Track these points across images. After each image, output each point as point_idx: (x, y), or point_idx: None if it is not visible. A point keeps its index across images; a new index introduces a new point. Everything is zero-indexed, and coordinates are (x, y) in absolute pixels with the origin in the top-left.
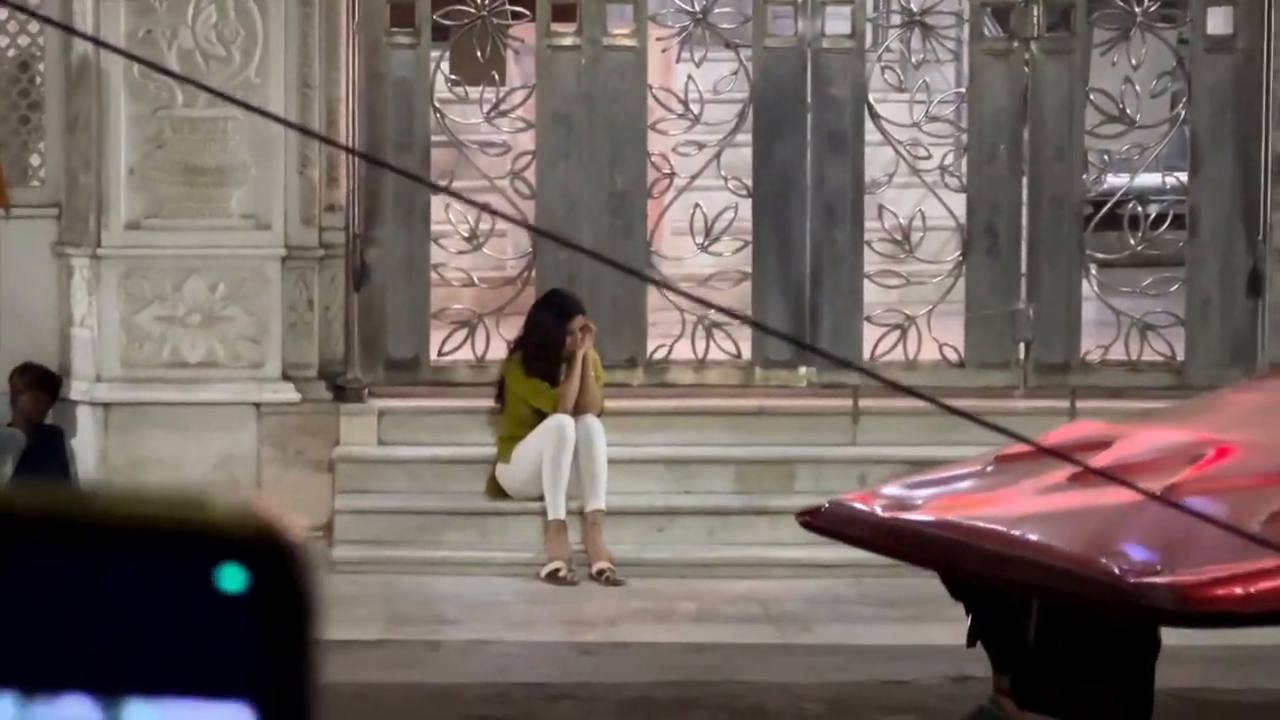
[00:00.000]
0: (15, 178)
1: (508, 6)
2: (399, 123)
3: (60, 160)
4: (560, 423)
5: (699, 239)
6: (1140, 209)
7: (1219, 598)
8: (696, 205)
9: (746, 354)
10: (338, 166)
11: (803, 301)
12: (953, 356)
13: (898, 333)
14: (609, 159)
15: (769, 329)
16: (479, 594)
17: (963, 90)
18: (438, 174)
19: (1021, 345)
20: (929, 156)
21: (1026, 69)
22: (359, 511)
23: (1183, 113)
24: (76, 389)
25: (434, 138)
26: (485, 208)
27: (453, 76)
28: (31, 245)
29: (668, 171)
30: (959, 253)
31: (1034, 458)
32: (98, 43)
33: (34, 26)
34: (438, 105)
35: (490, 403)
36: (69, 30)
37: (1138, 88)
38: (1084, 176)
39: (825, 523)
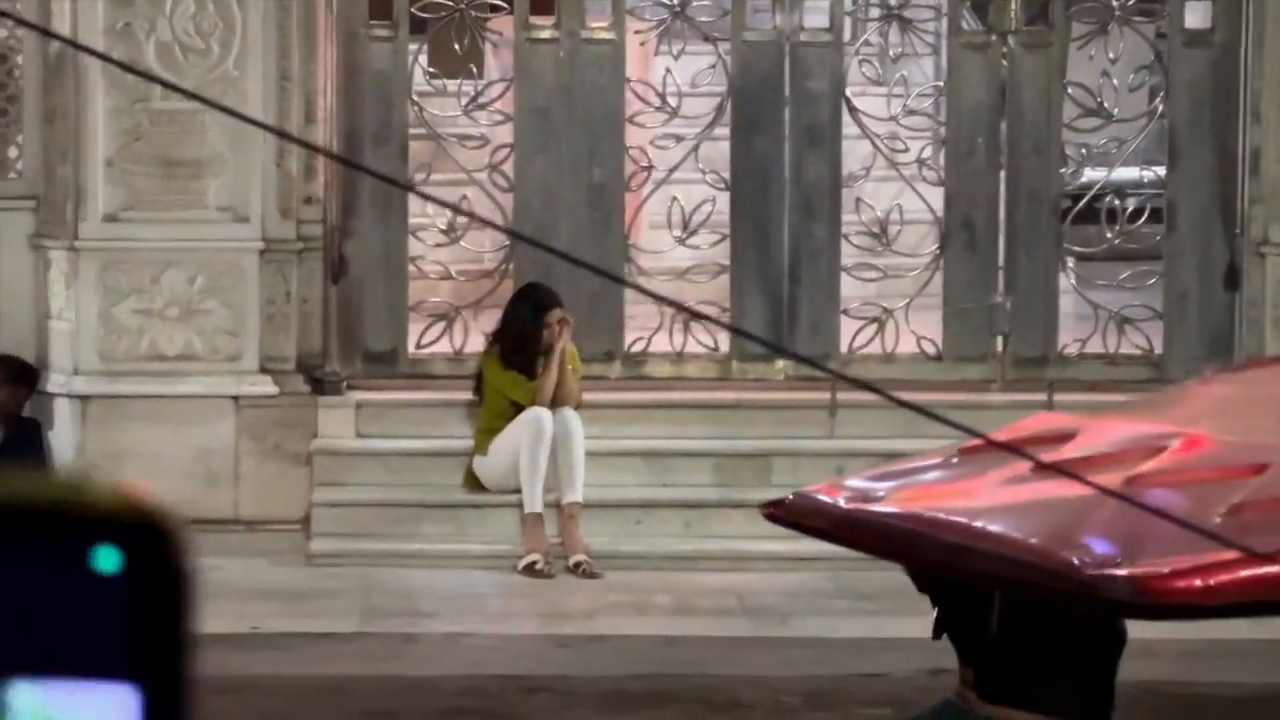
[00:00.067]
0: None
1: None
2: (377, 115)
3: (38, 152)
4: (538, 415)
5: (677, 232)
6: (1118, 203)
7: (1178, 590)
8: (674, 198)
9: (724, 347)
10: (315, 158)
11: (780, 295)
12: (930, 350)
13: (875, 326)
14: (587, 152)
15: (743, 332)
16: (456, 586)
17: (941, 84)
18: (416, 167)
19: (999, 338)
20: (907, 150)
21: (1004, 62)
22: (336, 504)
23: (1160, 106)
24: (54, 382)
25: (412, 130)
26: (456, 208)
27: (431, 69)
28: (9, 238)
29: (646, 164)
30: (937, 246)
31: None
32: (71, 44)
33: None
34: (416, 98)
35: (468, 395)
36: (44, 32)
37: (1115, 81)
38: (1062, 170)
39: (789, 515)
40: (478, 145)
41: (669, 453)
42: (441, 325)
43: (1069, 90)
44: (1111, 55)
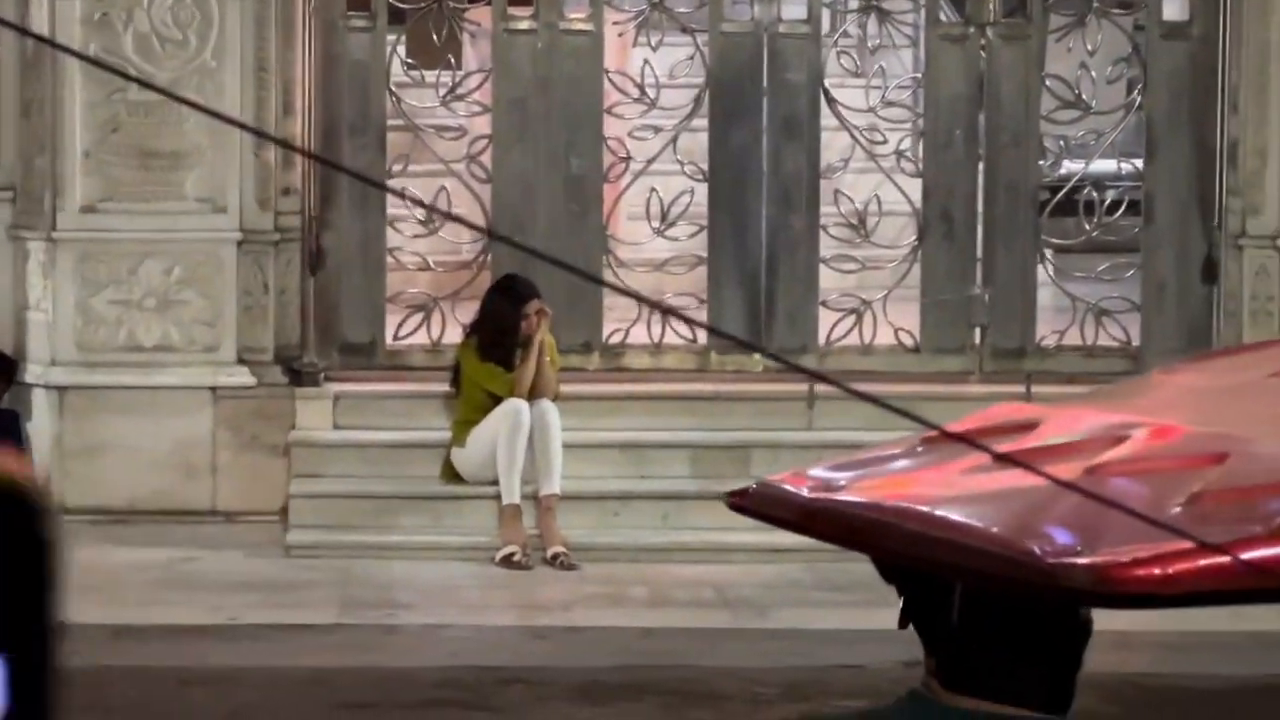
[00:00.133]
0: None
1: None
2: (355, 106)
3: (15, 144)
4: (515, 407)
5: (655, 223)
6: (1096, 195)
7: (1137, 579)
8: (653, 190)
9: (702, 339)
10: (294, 144)
11: (758, 286)
12: (908, 341)
13: (853, 317)
14: (565, 143)
15: (717, 330)
16: (433, 578)
17: (919, 75)
18: (393, 158)
19: (977, 330)
20: (885, 142)
21: (983, 54)
22: (314, 495)
23: (1138, 99)
24: (32, 372)
25: (390, 121)
26: (431, 208)
27: (409, 60)
28: None
29: (624, 156)
30: (915, 238)
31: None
32: (44, 40)
33: None
34: (394, 89)
35: (446, 387)
36: (18, 30)
37: (1093, 74)
38: (1040, 162)
39: (752, 504)
40: (455, 136)
41: (647, 444)
42: (419, 316)
43: (1047, 82)
44: (1089, 47)
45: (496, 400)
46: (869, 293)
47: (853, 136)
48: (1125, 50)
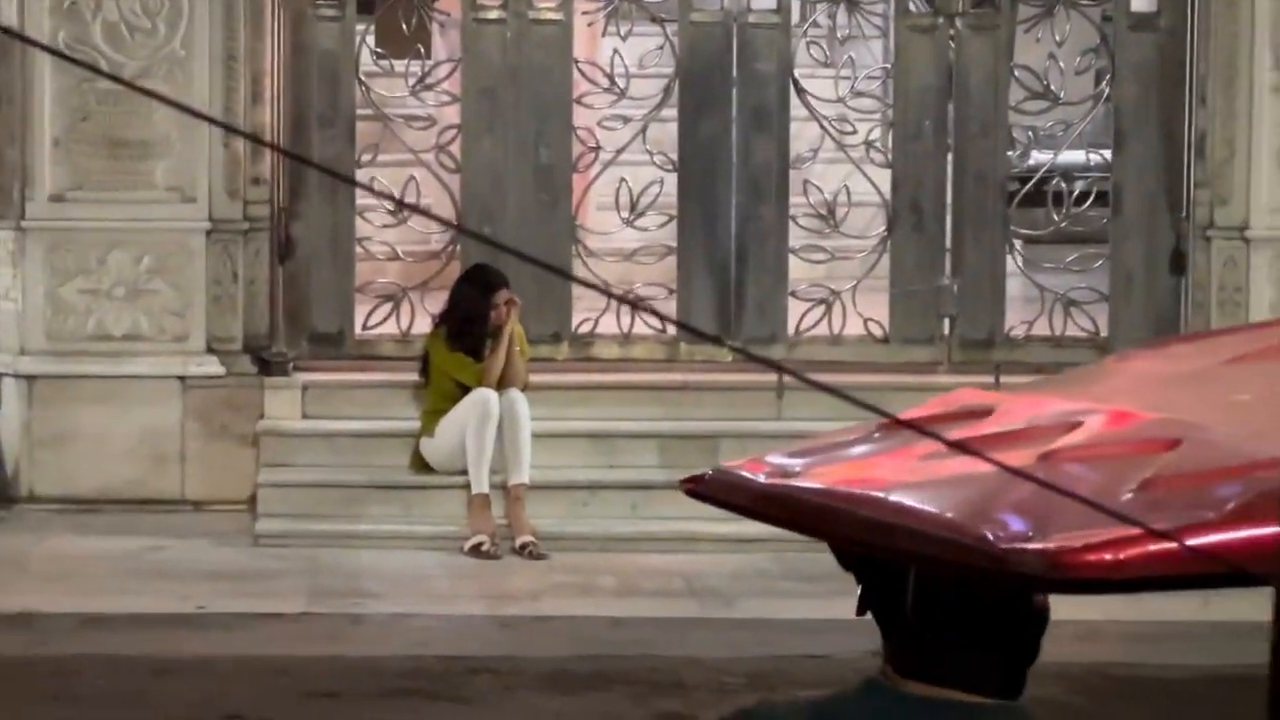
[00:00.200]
0: None
1: None
2: (324, 96)
3: None
4: (484, 397)
5: (624, 213)
6: (1064, 185)
7: (1088, 564)
8: (622, 180)
9: (671, 329)
10: (262, 138)
11: (728, 276)
12: (877, 332)
13: (822, 308)
14: (534, 133)
15: (685, 325)
16: (402, 567)
17: (888, 66)
18: (363, 147)
19: (946, 321)
20: (854, 132)
21: (952, 45)
22: (282, 485)
23: (1107, 90)
24: (1, 362)
25: (359, 111)
26: (400, 202)
27: (378, 50)
28: None
29: (593, 145)
30: (884, 228)
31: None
32: (10, 33)
33: None
34: (363, 78)
35: (414, 377)
36: None
37: (1062, 65)
38: (1009, 153)
39: (709, 490)
40: (425, 126)
41: (616, 434)
42: (388, 306)
43: (1015, 73)
44: (1058, 38)
45: (465, 390)
46: (838, 283)
47: (822, 127)
48: (1093, 41)
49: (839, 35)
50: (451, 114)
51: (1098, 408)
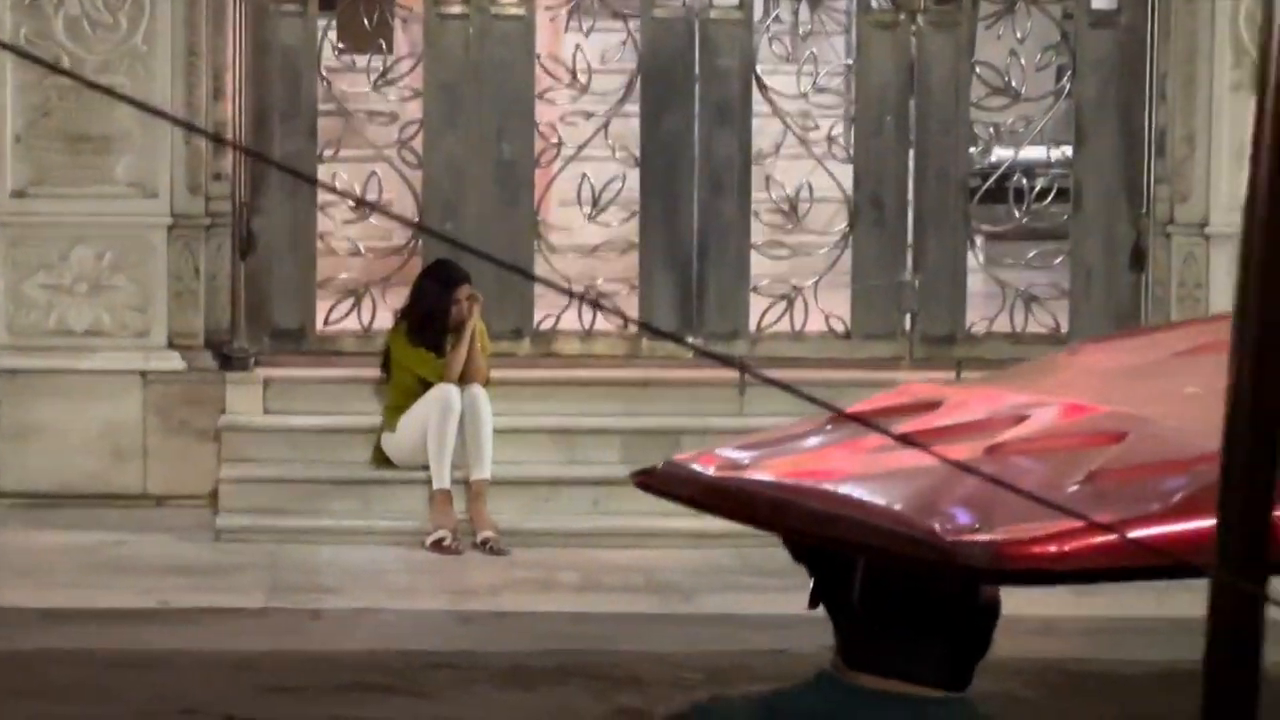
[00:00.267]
0: None
1: None
2: (286, 91)
3: None
4: (446, 392)
5: (586, 209)
6: (1026, 182)
7: (1033, 556)
8: (584, 175)
9: (633, 325)
10: (224, 134)
11: (690, 272)
12: (839, 328)
13: (784, 303)
14: (496, 128)
15: (647, 325)
16: (362, 562)
17: (850, 62)
18: (325, 143)
19: (907, 317)
20: (817, 128)
21: (914, 41)
22: (244, 480)
23: (1067, 86)
24: None
25: (321, 106)
26: (360, 200)
27: (340, 45)
28: None
29: (555, 141)
30: (846, 224)
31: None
32: None
33: None
34: (325, 74)
35: (376, 372)
36: None
37: (1023, 61)
38: (970, 149)
39: (659, 483)
40: (387, 121)
41: (577, 430)
42: (350, 302)
43: (977, 70)
44: (1019, 35)
45: (427, 385)
46: (800, 279)
47: (784, 123)
48: (1054, 38)
49: (801, 31)
50: (413, 109)
51: (1046, 401)
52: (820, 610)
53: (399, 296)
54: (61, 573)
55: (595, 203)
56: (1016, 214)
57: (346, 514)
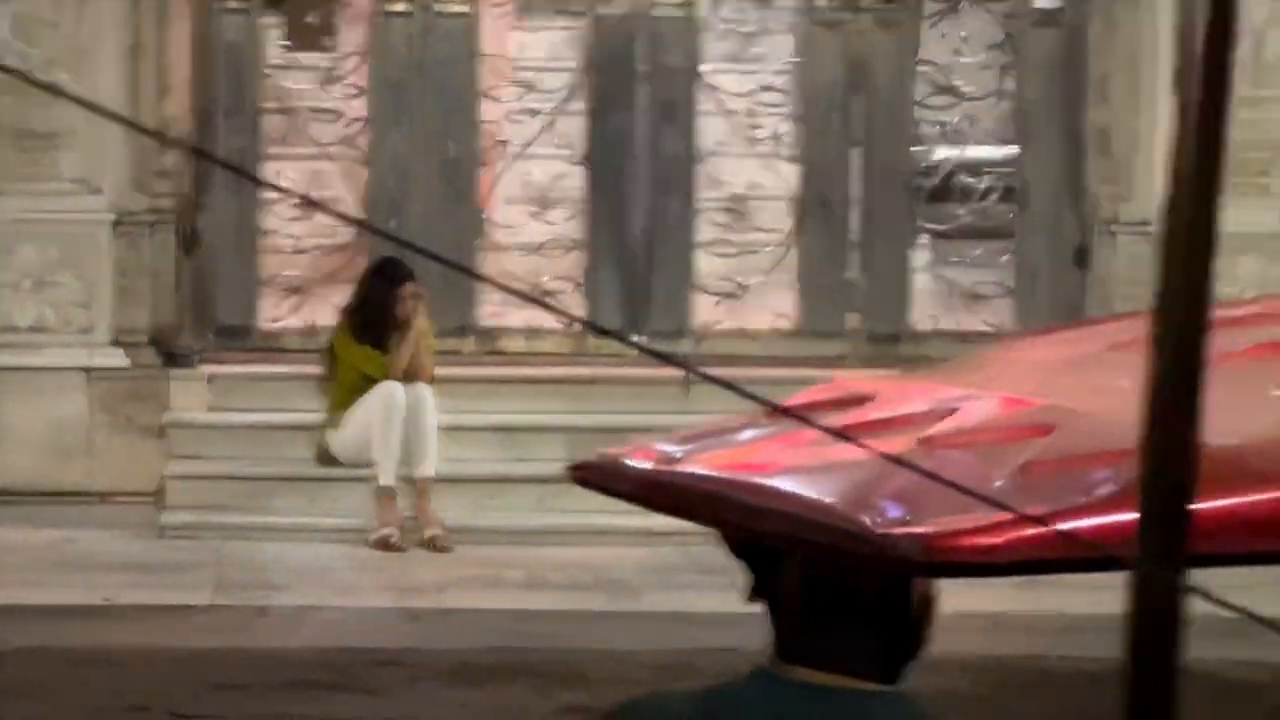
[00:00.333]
0: None
1: None
2: (231, 89)
3: None
4: (390, 390)
5: (532, 207)
6: (971, 180)
7: (963, 548)
8: (529, 173)
9: (579, 323)
10: (169, 131)
11: (635, 270)
12: (785, 326)
13: (730, 301)
14: (441, 126)
15: (592, 324)
16: (308, 560)
17: (797, 61)
18: (269, 141)
19: (853, 315)
20: (763, 127)
21: (859, 40)
22: (189, 477)
23: (1011, 85)
24: None
25: (266, 104)
26: (306, 198)
27: (285, 42)
28: None
29: (500, 139)
30: (792, 223)
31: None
32: None
33: None
34: (269, 71)
35: (320, 369)
36: None
37: (966, 60)
38: (915, 148)
39: (594, 477)
40: (332, 119)
41: (522, 428)
42: (294, 299)
43: (921, 68)
44: (963, 34)
45: (371, 383)
46: (746, 277)
47: (730, 121)
48: (998, 37)
49: (747, 30)
50: (359, 107)
51: (976, 394)
52: (752, 604)
53: (343, 294)
54: (7, 570)
55: (541, 201)
56: (962, 213)
57: (292, 511)
